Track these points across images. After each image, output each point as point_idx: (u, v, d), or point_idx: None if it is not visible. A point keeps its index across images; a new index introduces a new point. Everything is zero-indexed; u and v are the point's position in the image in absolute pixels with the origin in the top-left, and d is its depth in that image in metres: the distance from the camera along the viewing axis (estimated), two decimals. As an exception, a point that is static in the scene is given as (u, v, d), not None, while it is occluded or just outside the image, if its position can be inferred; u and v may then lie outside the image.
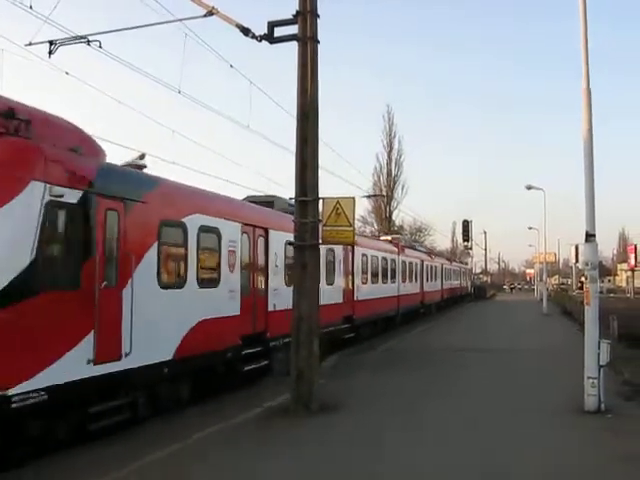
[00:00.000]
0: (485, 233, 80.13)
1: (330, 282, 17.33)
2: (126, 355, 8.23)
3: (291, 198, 10.37)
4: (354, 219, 10.67)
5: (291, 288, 10.23)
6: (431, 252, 44.44)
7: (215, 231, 10.84)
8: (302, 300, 9.79)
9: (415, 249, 35.16)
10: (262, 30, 9.95)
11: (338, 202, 10.42)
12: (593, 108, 9.67)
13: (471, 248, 64.10)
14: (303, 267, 9.89)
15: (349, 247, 18.57)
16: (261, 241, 12.71)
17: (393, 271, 25.96)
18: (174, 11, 10.41)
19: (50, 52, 10.14)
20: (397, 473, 6.70)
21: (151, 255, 8.99)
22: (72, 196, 7.48)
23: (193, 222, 10.10)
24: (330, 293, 16.90)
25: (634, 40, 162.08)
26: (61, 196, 7.26)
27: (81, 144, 8.28)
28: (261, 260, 12.70)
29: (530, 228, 56.40)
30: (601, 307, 9.96)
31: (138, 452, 7.34)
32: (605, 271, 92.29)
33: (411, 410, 9.79)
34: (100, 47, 10.14)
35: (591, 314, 9.43)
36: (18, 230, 6.85)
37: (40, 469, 6.87)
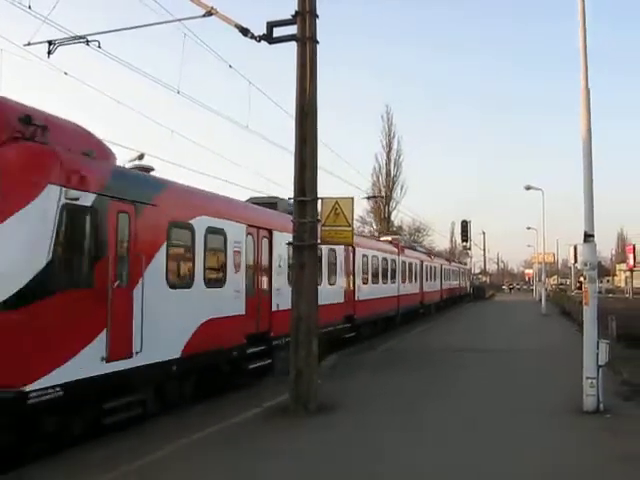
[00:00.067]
0: (484, 233, 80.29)
1: (332, 282, 17.56)
2: (137, 353, 8.44)
3: (290, 198, 10.37)
4: (353, 219, 10.69)
5: None
6: (430, 252, 44.46)
7: (221, 232, 11.06)
8: (301, 300, 9.80)
9: (415, 249, 35.22)
10: (261, 30, 9.96)
11: (337, 202, 10.42)
12: (592, 108, 9.70)
13: (470, 248, 64.28)
14: (302, 267, 9.89)
15: (350, 247, 18.69)
16: (265, 242, 12.88)
17: (393, 271, 26.07)
18: (173, 11, 10.43)
19: (49, 52, 10.14)
20: (396, 473, 6.69)
21: (160, 256, 9.22)
22: (86, 199, 7.71)
23: (200, 224, 10.33)
24: (332, 293, 17.15)
25: (634, 40, 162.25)
26: (76, 199, 7.48)
27: (93, 148, 8.53)
28: (265, 261, 12.86)
29: (529, 228, 56.55)
30: (600, 307, 9.98)
31: (138, 451, 7.36)
32: (604, 271, 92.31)
33: (410, 410, 9.80)
34: (99, 47, 10.15)
35: (590, 314, 9.43)
36: (36, 232, 7.09)
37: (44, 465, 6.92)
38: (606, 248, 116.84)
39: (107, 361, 7.88)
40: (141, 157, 10.78)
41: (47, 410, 7.17)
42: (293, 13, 9.88)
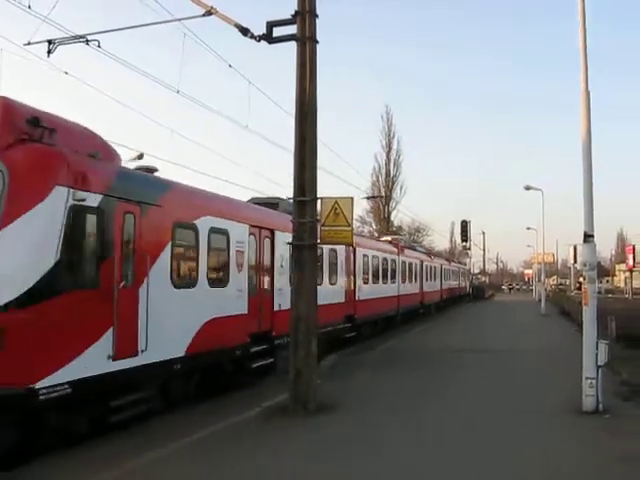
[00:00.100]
0: (483, 233, 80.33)
1: (333, 282, 17.65)
2: (142, 352, 8.54)
3: (289, 198, 10.38)
4: (352, 219, 10.68)
5: None
6: (430, 252, 44.49)
7: (224, 233, 11.17)
8: (300, 300, 9.80)
9: (415, 250, 35.26)
10: (261, 30, 9.95)
11: (336, 202, 10.42)
12: (592, 109, 9.71)
13: (469, 248, 64.31)
14: (301, 267, 9.90)
15: (351, 248, 18.77)
16: (267, 242, 12.97)
17: (393, 271, 26.13)
18: (173, 11, 10.43)
19: (49, 51, 10.13)
20: (396, 473, 6.69)
21: (165, 256, 9.34)
22: (93, 200, 7.82)
23: (204, 224, 10.44)
24: (333, 293, 17.27)
25: (634, 40, 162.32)
26: (83, 200, 7.59)
27: (99, 149, 8.64)
28: (267, 261, 12.96)
29: (528, 228, 56.51)
30: (599, 307, 9.99)
31: (138, 450, 7.39)
32: (603, 271, 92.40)
33: (410, 410, 9.80)
34: (99, 47, 10.15)
35: (589, 314, 9.44)
36: (44, 233, 7.19)
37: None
38: (606, 248, 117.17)
39: (113, 359, 8.00)
40: (140, 157, 10.80)
41: (55, 407, 7.29)
42: (293, 13, 9.89)
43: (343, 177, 35.53)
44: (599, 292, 20.26)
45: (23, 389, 6.81)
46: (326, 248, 16.02)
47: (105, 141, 9.16)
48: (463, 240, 47.30)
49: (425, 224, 65.49)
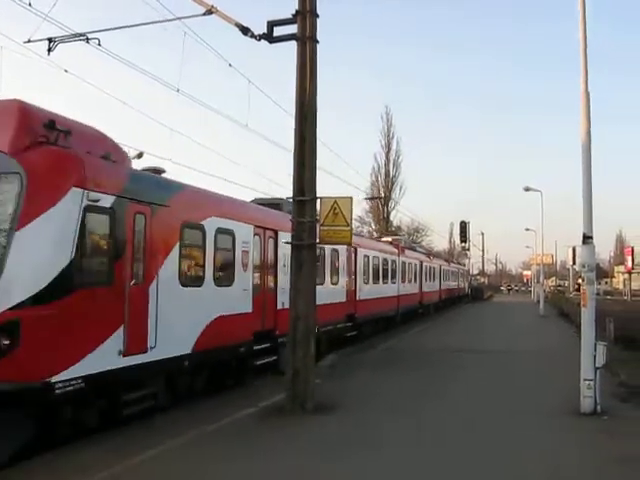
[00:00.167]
0: (482, 234, 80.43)
1: (334, 282, 17.82)
2: (151, 348, 8.77)
3: (289, 197, 10.38)
4: (351, 219, 10.68)
5: None
6: (430, 253, 44.52)
7: (230, 233, 11.39)
8: (299, 299, 9.80)
9: (414, 250, 35.35)
10: (261, 29, 9.97)
11: (336, 202, 10.42)
12: (592, 110, 9.70)
13: (468, 249, 64.20)
14: (300, 266, 9.89)
15: (352, 248, 18.94)
16: (271, 242, 13.16)
17: (393, 272, 26.28)
18: (174, 10, 10.43)
19: (49, 49, 10.15)
20: (395, 473, 6.70)
21: (174, 255, 9.58)
22: (106, 201, 8.07)
23: (211, 225, 10.69)
24: (334, 292, 17.48)
25: (634, 40, 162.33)
26: (97, 201, 7.85)
27: (111, 151, 8.85)
28: (271, 260, 13.15)
29: (527, 230, 56.44)
30: (598, 309, 10.00)
31: (138, 448, 7.39)
32: (602, 273, 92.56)
33: (409, 410, 9.80)
34: (99, 45, 10.15)
35: (588, 316, 9.44)
36: (60, 232, 7.44)
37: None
38: (605, 250, 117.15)
39: (124, 355, 8.23)
40: (140, 156, 10.81)
41: (69, 401, 7.54)
42: (293, 12, 9.89)
43: (342, 177, 35.64)
44: (598, 294, 20.24)
45: (40, 383, 7.03)
46: (328, 248, 16.17)
47: (116, 143, 9.36)
48: (462, 241, 47.17)
49: (424, 224, 65.49)
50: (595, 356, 9.23)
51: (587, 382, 9.19)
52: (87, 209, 7.69)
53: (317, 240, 10.35)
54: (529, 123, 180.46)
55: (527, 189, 39.58)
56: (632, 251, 71.24)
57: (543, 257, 49.17)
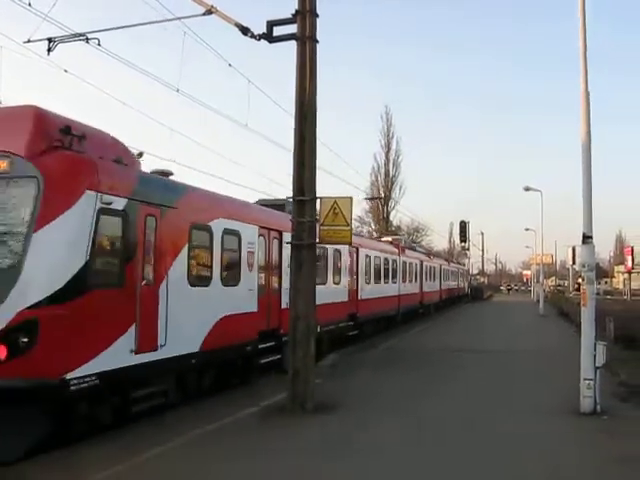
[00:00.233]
0: (482, 234, 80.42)
1: (336, 282, 17.96)
2: (161, 346, 8.98)
3: (288, 197, 10.39)
4: (351, 219, 10.68)
5: None
6: (430, 253, 44.53)
7: (236, 234, 11.58)
8: (299, 299, 9.81)
9: (415, 250, 35.41)
10: (261, 29, 9.96)
11: (335, 202, 10.42)
12: (592, 109, 9.72)
13: (468, 249, 64.20)
14: (300, 266, 9.89)
15: (354, 248, 19.06)
16: (275, 243, 13.31)
17: (394, 272, 26.42)
18: (173, 10, 10.42)
19: (49, 49, 10.16)
20: (395, 473, 6.71)
21: (182, 256, 9.77)
22: (119, 203, 8.29)
23: (218, 226, 10.88)
24: (336, 292, 17.64)
25: (634, 40, 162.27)
26: (110, 204, 8.08)
27: (122, 155, 9.05)
28: (275, 261, 13.32)
29: (527, 229, 56.44)
30: (597, 309, 10.01)
31: (138, 447, 7.43)
32: (602, 273, 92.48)
33: (409, 410, 9.82)
34: (99, 45, 10.15)
35: (588, 315, 9.44)
36: (76, 234, 7.66)
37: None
38: (604, 250, 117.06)
39: (136, 353, 8.45)
40: (140, 155, 10.80)
41: (84, 398, 7.76)
42: (293, 12, 9.88)
43: (342, 177, 35.59)
44: (597, 293, 20.23)
45: (57, 380, 7.24)
46: (331, 248, 16.31)
47: (126, 147, 9.52)
48: (462, 241, 47.17)
49: (424, 224, 65.49)
50: (595, 355, 9.24)
51: (587, 382, 9.20)
52: (101, 212, 7.91)
53: (317, 240, 10.35)
54: (529, 123, 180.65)
55: (527, 189, 39.60)
56: (632, 251, 71.16)
57: (543, 257, 49.19)
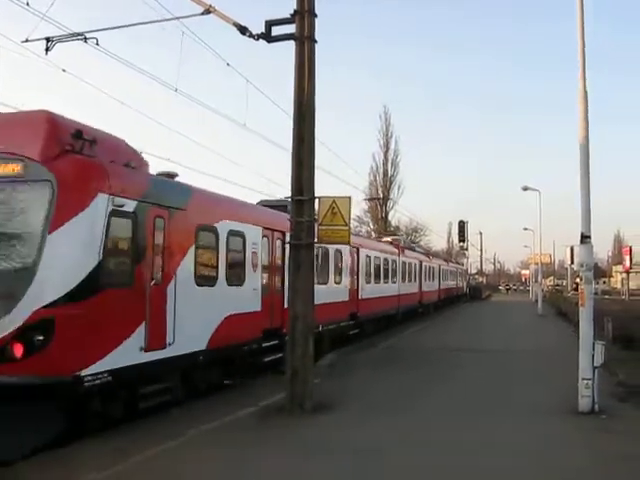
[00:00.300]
0: (481, 234, 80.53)
1: (337, 281, 18.14)
2: (169, 344, 9.20)
3: (287, 197, 10.39)
4: (350, 219, 10.68)
5: None
6: (429, 253, 44.58)
7: (241, 235, 11.82)
8: (297, 299, 9.81)
9: (414, 250, 35.53)
10: (259, 29, 9.95)
11: (334, 201, 10.43)
12: (590, 110, 9.73)
13: (467, 249, 64.31)
14: (298, 266, 9.90)
15: (354, 248, 19.23)
16: (278, 243, 13.50)
17: (394, 271, 26.57)
18: (172, 9, 10.45)
19: (47, 49, 10.16)
20: (394, 473, 6.73)
21: (190, 256, 10.00)
22: (129, 206, 8.51)
23: (223, 227, 11.12)
24: (337, 292, 17.84)
25: (634, 40, 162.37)
26: (121, 206, 8.31)
27: (132, 159, 9.26)
28: (278, 261, 13.49)
29: (525, 229, 56.45)
30: (596, 308, 10.05)
31: (138, 447, 7.43)
32: (600, 273, 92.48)
33: (408, 410, 9.86)
34: (97, 44, 10.15)
35: (586, 315, 9.46)
36: (89, 236, 7.88)
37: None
38: (603, 249, 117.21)
39: (145, 351, 8.66)
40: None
41: (97, 394, 8.00)
42: (292, 12, 9.87)
43: (341, 177, 35.62)
44: (596, 293, 20.25)
45: (71, 377, 7.47)
46: (332, 248, 16.46)
47: (135, 150, 9.71)
48: (460, 240, 47.34)
49: (423, 224, 65.49)
50: (593, 355, 9.26)
51: (585, 381, 9.22)
52: (112, 214, 8.12)
53: (315, 240, 10.35)
54: (529, 123, 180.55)
55: (525, 189, 39.67)
56: (630, 251, 71.18)
57: (541, 256, 49.26)
